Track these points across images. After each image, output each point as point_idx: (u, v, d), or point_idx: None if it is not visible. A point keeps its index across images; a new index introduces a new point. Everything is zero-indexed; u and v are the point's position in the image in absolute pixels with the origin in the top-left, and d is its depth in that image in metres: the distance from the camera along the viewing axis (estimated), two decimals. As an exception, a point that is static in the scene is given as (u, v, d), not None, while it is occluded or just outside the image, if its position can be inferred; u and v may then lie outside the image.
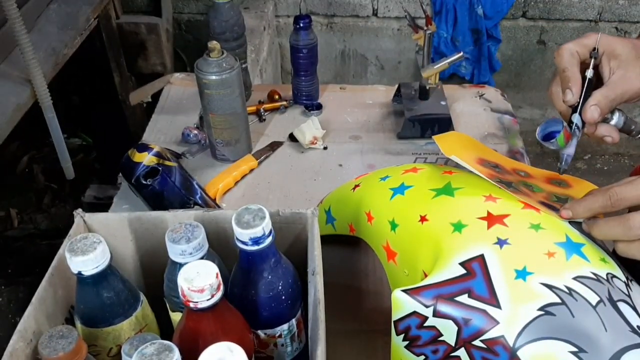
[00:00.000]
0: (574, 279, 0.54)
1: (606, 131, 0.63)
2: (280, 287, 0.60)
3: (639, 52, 0.61)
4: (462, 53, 1.02)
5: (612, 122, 0.63)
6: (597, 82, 0.63)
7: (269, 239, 0.57)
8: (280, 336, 0.63)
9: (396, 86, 1.15)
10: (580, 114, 0.61)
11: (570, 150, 0.65)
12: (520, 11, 2.13)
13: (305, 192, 0.99)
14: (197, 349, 0.48)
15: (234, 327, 0.55)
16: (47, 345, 0.50)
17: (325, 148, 1.07)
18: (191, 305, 0.51)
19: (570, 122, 0.62)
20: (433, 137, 0.73)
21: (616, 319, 0.53)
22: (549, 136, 0.64)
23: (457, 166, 0.71)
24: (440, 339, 0.55)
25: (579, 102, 0.61)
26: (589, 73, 0.61)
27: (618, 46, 0.61)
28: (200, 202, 0.89)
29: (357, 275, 0.84)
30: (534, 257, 0.56)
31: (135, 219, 0.67)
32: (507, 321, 0.53)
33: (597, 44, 0.61)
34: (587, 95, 0.61)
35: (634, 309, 0.54)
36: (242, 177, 1.02)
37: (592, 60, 0.61)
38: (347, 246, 0.82)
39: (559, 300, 0.53)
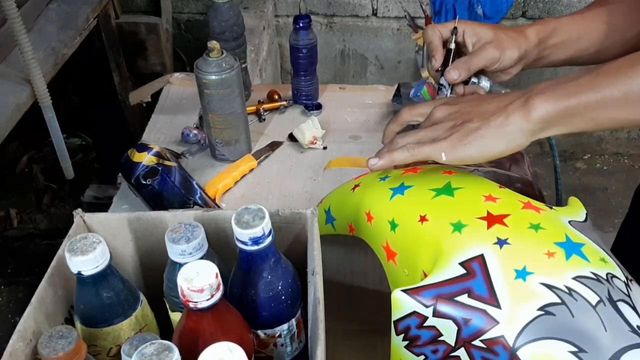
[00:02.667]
0: (574, 278, 0.54)
1: (473, 90, 0.76)
2: (280, 287, 0.60)
3: (497, 31, 0.75)
4: (461, 53, 1.02)
5: (480, 84, 0.76)
6: (460, 56, 0.77)
7: (269, 239, 0.57)
8: (280, 336, 0.63)
9: (396, 86, 1.15)
10: (442, 74, 0.75)
11: None
12: (519, 11, 2.13)
13: (305, 192, 0.99)
14: (197, 349, 0.48)
15: (234, 327, 0.55)
16: (46, 345, 0.50)
17: (325, 148, 1.07)
18: (191, 305, 0.51)
19: (440, 85, 0.76)
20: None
21: (616, 318, 0.53)
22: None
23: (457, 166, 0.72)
24: (440, 338, 0.55)
25: (444, 67, 0.75)
26: (452, 46, 0.75)
27: (478, 28, 0.76)
28: (200, 202, 0.89)
29: (357, 275, 0.84)
30: (533, 257, 0.56)
31: (135, 219, 0.67)
32: (507, 321, 0.53)
33: (456, 24, 0.75)
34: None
35: (634, 308, 0.54)
36: (242, 177, 1.02)
37: (453, 36, 0.75)
38: (347, 246, 0.82)
39: (558, 300, 0.53)
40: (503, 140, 0.61)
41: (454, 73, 0.74)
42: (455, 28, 0.76)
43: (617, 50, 0.77)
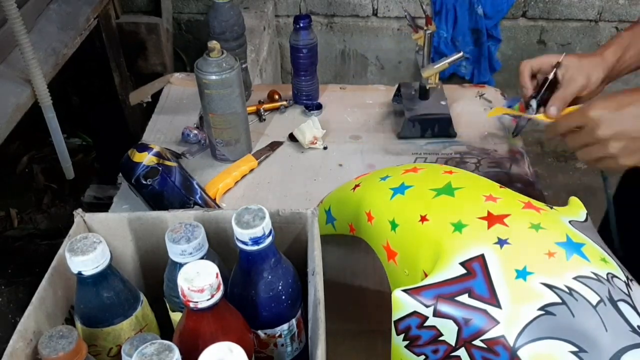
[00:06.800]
0: (575, 278, 0.54)
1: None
2: (280, 287, 0.60)
3: (581, 60, 0.87)
4: (462, 53, 1.02)
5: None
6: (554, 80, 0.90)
7: (269, 239, 0.57)
8: (280, 336, 0.63)
9: (396, 86, 1.15)
10: (536, 98, 0.89)
11: (522, 122, 0.99)
12: (520, 11, 2.13)
13: (305, 192, 0.99)
14: (197, 349, 0.48)
15: (234, 327, 0.55)
16: (47, 345, 0.50)
17: (325, 148, 1.07)
18: (191, 305, 0.51)
19: (528, 105, 0.90)
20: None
21: (616, 318, 0.53)
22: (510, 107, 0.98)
23: (457, 165, 0.72)
24: (441, 338, 0.55)
25: (535, 94, 0.89)
26: (551, 76, 0.88)
27: (566, 59, 0.88)
28: (200, 202, 0.89)
29: (357, 275, 0.84)
30: (534, 257, 0.56)
31: (135, 219, 0.67)
32: (508, 321, 0.53)
33: (561, 59, 0.88)
34: (546, 90, 0.89)
35: (634, 308, 0.54)
36: (242, 177, 1.02)
37: (554, 69, 0.88)
38: (347, 246, 0.82)
39: (559, 300, 0.53)
40: None
41: (554, 110, 0.86)
42: (559, 63, 0.88)
43: None
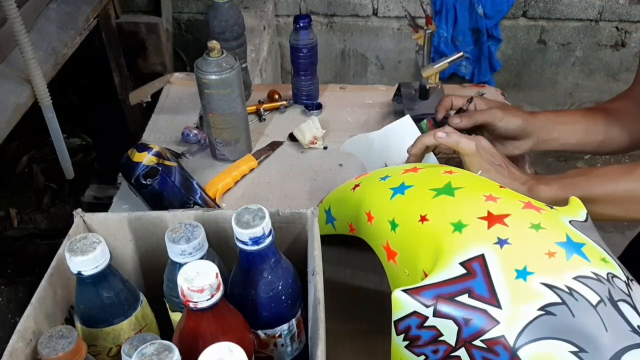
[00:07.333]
0: (575, 278, 0.54)
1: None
2: (280, 287, 0.60)
3: (506, 104, 0.97)
4: (462, 52, 1.02)
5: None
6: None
7: (269, 239, 0.57)
8: (280, 336, 0.63)
9: (396, 86, 1.15)
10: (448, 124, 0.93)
11: None
12: (520, 11, 2.13)
13: (305, 192, 0.99)
14: (197, 349, 0.48)
15: (234, 327, 0.55)
16: (46, 345, 0.50)
17: (325, 148, 1.07)
18: (191, 305, 0.51)
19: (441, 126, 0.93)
20: None
21: (617, 318, 0.53)
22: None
23: (457, 165, 0.72)
24: (441, 339, 0.55)
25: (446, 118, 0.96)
26: (465, 107, 0.95)
27: (490, 101, 0.95)
28: (200, 202, 0.89)
29: (357, 275, 0.84)
30: (534, 257, 0.56)
31: (135, 219, 0.67)
32: (508, 321, 0.53)
33: (474, 95, 0.96)
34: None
35: (635, 308, 0.54)
36: (242, 177, 1.01)
37: (468, 102, 0.95)
38: (347, 246, 0.82)
39: (559, 300, 0.53)
40: None
41: (457, 119, 0.91)
42: (472, 97, 0.95)
43: (622, 143, 0.92)
